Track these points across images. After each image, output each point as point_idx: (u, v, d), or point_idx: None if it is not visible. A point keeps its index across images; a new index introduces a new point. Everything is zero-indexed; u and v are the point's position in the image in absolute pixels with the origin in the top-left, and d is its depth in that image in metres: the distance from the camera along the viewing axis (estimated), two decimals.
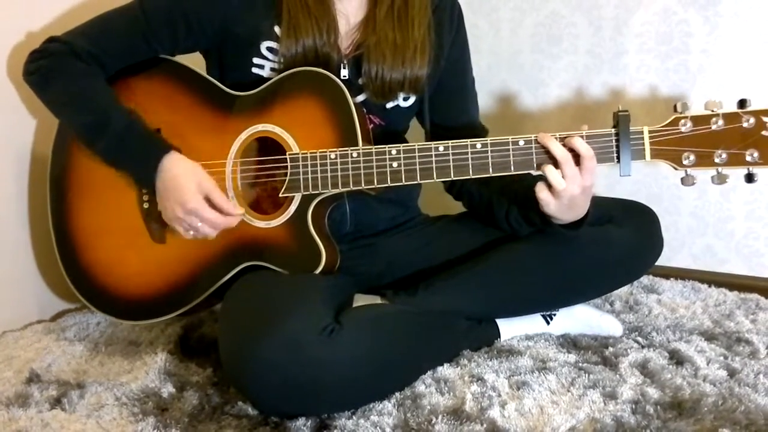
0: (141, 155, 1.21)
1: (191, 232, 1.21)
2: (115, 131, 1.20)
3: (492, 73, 1.85)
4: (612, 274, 1.34)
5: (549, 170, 1.11)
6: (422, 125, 1.41)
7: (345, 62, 1.28)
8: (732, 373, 1.16)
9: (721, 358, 1.22)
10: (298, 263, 1.21)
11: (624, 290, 1.57)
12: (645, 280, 1.64)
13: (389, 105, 1.33)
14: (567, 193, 1.11)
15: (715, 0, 1.55)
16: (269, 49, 1.26)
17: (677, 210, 1.68)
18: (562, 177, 1.11)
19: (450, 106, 1.40)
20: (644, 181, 1.71)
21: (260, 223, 1.23)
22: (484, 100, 1.86)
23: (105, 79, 1.27)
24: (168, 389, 1.15)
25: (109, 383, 1.18)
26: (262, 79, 1.26)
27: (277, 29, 1.25)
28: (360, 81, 1.29)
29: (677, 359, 1.22)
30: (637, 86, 1.68)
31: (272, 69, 1.27)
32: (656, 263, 1.38)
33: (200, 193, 1.19)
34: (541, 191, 1.13)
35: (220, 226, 1.21)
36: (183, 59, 1.32)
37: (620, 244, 1.29)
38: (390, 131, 1.36)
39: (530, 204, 1.20)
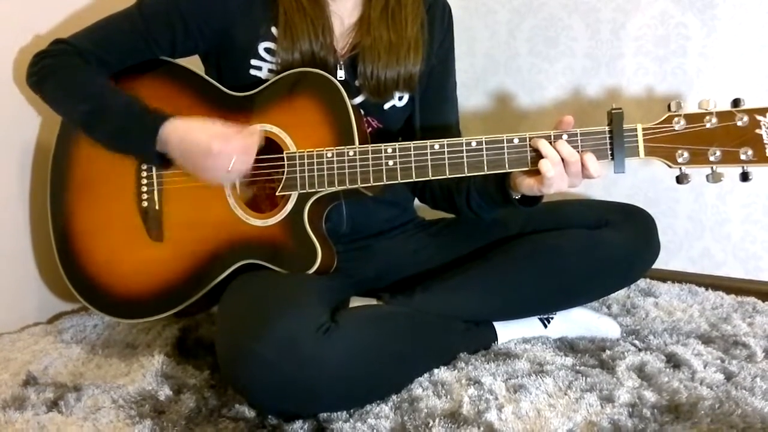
0: (142, 131, 1.20)
1: (232, 174, 1.18)
2: (115, 114, 1.21)
3: (488, 76, 1.85)
4: (609, 277, 1.35)
5: (542, 163, 1.11)
6: (412, 125, 1.41)
7: (341, 63, 1.29)
8: (729, 376, 1.16)
9: (718, 361, 1.22)
10: (295, 261, 1.21)
11: (621, 293, 1.57)
12: (642, 283, 1.64)
13: (387, 105, 1.34)
14: (553, 184, 1.12)
15: (713, 3, 1.56)
16: (267, 50, 1.27)
17: (674, 213, 1.69)
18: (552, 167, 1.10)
19: (428, 105, 1.40)
20: (641, 185, 1.71)
21: (257, 222, 1.23)
22: (481, 102, 1.86)
23: (107, 76, 1.28)
24: (165, 392, 1.15)
25: (106, 386, 1.18)
26: (260, 81, 1.27)
27: (274, 30, 1.26)
28: (357, 82, 1.29)
29: (674, 362, 1.22)
30: (634, 89, 1.68)
31: (270, 70, 1.28)
32: (653, 266, 1.38)
33: (215, 133, 1.17)
34: (526, 177, 1.15)
35: (250, 149, 1.17)
36: (182, 61, 1.32)
37: (617, 247, 1.30)
38: (387, 133, 1.36)
39: (489, 182, 1.23)
